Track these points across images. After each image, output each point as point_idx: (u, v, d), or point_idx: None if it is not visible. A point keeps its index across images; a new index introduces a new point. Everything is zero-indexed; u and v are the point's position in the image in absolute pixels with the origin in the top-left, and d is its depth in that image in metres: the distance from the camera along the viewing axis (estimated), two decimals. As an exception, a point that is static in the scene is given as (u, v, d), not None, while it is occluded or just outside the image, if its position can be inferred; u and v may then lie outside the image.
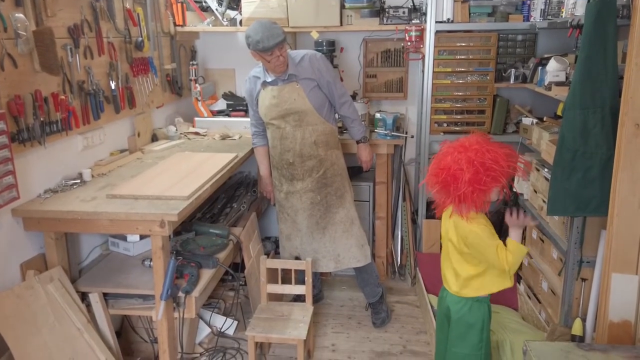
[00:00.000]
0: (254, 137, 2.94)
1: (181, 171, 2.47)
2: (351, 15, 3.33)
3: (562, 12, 2.56)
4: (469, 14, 3.12)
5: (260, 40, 2.47)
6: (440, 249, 2.17)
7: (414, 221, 3.56)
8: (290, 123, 2.70)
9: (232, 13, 3.41)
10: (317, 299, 3.18)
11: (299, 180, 2.79)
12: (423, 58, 3.28)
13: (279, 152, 2.77)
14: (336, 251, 2.87)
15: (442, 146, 1.99)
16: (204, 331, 2.74)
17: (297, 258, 2.93)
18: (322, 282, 3.44)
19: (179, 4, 3.38)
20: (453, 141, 1.96)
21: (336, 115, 2.88)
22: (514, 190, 2.79)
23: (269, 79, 2.67)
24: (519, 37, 3.34)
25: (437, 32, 3.11)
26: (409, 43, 3.25)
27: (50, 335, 2.01)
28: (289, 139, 2.73)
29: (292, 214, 2.87)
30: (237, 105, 3.56)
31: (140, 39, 2.89)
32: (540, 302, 2.63)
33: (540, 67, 2.85)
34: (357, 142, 2.95)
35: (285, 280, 2.70)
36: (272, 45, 2.47)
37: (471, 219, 1.91)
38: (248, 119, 3.37)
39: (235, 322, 2.87)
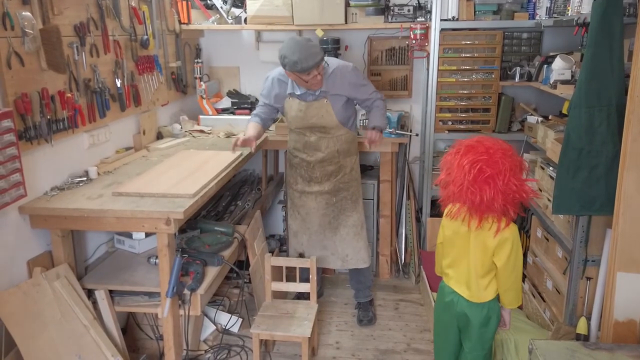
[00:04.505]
0: (253, 116, 2.78)
1: (186, 169, 2.48)
2: (356, 13, 3.32)
3: (568, 10, 2.55)
4: (474, 11, 3.11)
5: (299, 61, 2.37)
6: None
7: (418, 219, 3.56)
8: (315, 134, 2.71)
9: (236, 11, 3.41)
10: (317, 295, 3.20)
11: (316, 182, 2.80)
12: (428, 56, 3.28)
13: (301, 155, 2.78)
14: (345, 252, 2.90)
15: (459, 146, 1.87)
16: (209, 328, 2.75)
17: (300, 255, 2.94)
18: (325, 280, 3.45)
19: (184, 2, 3.38)
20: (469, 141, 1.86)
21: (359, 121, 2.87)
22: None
23: (298, 92, 2.62)
24: (525, 35, 3.33)
25: (442, 30, 3.11)
26: (413, 41, 3.24)
27: (57, 331, 2.02)
28: (312, 147, 2.74)
29: (303, 213, 2.88)
30: (241, 104, 3.57)
31: (145, 37, 2.90)
32: (544, 301, 2.63)
33: (545, 65, 2.84)
34: (373, 128, 2.73)
35: (290, 278, 2.71)
36: (311, 65, 2.39)
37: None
38: (252, 117, 3.40)
39: (240, 320, 2.88)
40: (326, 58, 2.65)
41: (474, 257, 1.93)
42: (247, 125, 2.81)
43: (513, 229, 1.87)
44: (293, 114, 2.68)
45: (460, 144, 1.86)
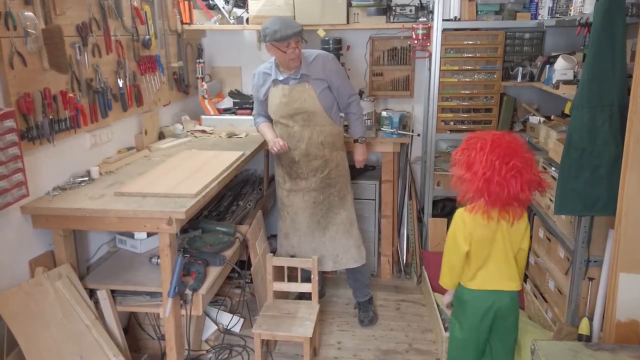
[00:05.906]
0: (256, 117, 2.93)
1: (188, 169, 2.48)
2: (358, 14, 3.32)
3: (571, 10, 2.55)
4: (477, 12, 3.10)
5: (279, 30, 2.49)
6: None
7: (420, 220, 3.56)
8: (298, 122, 2.71)
9: (238, 11, 3.42)
10: (319, 295, 3.20)
11: (302, 179, 2.80)
12: (430, 56, 3.27)
13: (286, 149, 2.77)
14: (335, 251, 2.89)
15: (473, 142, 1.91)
16: (211, 328, 2.76)
17: (292, 257, 2.94)
18: (327, 280, 3.45)
19: (186, 2, 3.39)
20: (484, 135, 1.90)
21: (341, 114, 2.88)
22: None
23: (281, 77, 2.68)
24: (527, 35, 3.33)
25: (444, 30, 3.10)
26: (415, 41, 3.24)
27: (59, 331, 2.02)
28: (296, 138, 2.73)
29: (292, 212, 2.87)
30: (243, 104, 3.57)
31: (147, 37, 2.90)
32: (546, 302, 2.63)
33: (547, 66, 2.83)
34: (355, 141, 2.96)
35: (291, 278, 2.71)
36: (290, 34, 2.49)
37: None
38: (254, 117, 3.40)
39: (242, 320, 2.88)
40: (308, 49, 2.77)
41: (509, 246, 1.98)
42: (258, 128, 2.90)
43: (525, 214, 1.99)
44: (277, 102, 2.71)
45: (484, 140, 1.86)
